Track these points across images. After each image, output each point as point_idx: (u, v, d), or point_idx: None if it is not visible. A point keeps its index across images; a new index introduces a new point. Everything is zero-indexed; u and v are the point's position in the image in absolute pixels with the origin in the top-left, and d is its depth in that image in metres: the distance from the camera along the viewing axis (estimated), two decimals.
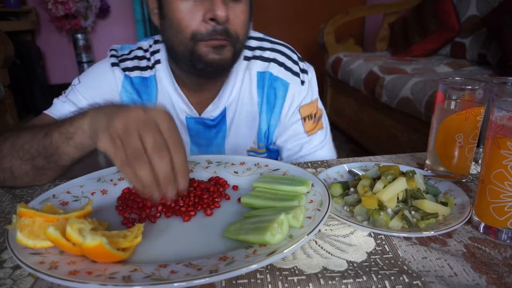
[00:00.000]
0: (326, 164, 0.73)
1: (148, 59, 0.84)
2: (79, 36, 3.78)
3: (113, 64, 0.82)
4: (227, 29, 0.68)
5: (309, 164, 0.74)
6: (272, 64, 0.83)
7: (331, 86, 3.13)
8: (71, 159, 0.61)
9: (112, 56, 0.84)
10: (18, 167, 0.62)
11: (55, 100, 0.82)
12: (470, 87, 0.62)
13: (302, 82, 0.84)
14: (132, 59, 0.83)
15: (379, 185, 0.54)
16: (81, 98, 0.80)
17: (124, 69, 0.82)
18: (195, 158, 0.70)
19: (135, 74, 0.82)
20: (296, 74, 0.84)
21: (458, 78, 0.67)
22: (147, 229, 0.49)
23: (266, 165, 0.66)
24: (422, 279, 0.41)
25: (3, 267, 0.44)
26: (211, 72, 0.73)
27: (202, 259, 0.41)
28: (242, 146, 0.87)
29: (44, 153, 0.61)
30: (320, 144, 0.86)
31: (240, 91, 0.83)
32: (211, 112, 0.83)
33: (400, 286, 0.40)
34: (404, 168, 0.62)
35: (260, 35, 0.89)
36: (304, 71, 0.85)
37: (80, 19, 3.65)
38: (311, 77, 0.87)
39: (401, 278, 0.42)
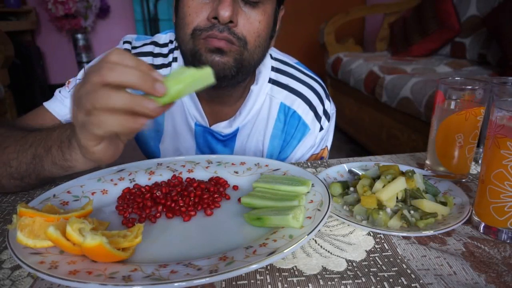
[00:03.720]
0: (326, 164, 0.73)
1: (165, 56, 0.79)
2: (79, 36, 3.79)
3: None
4: (233, 30, 0.63)
5: (309, 164, 0.74)
6: (299, 101, 0.80)
7: (331, 86, 3.13)
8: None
9: (125, 50, 0.79)
10: (7, 180, 0.59)
11: (57, 93, 0.77)
12: (470, 87, 0.62)
13: (321, 129, 0.83)
14: (146, 54, 0.79)
15: (378, 184, 0.54)
16: None
17: None
18: (195, 158, 0.70)
19: None
20: (318, 118, 0.82)
21: (458, 78, 0.67)
22: (147, 229, 0.49)
23: (267, 165, 0.66)
24: (421, 281, 0.41)
25: (1, 267, 0.44)
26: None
27: (202, 259, 0.41)
28: None
29: (35, 175, 0.58)
30: None
31: (258, 114, 0.81)
32: (224, 128, 0.81)
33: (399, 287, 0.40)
34: (404, 167, 0.62)
35: (294, 62, 0.86)
36: (326, 114, 0.84)
37: (80, 19, 3.65)
38: (331, 124, 0.86)
39: (399, 280, 0.42)
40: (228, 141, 0.83)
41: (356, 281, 0.41)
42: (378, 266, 0.44)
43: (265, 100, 0.81)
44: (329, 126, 0.85)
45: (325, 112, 0.83)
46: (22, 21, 3.55)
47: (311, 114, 0.81)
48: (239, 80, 0.70)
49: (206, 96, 0.78)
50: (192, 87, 0.43)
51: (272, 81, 0.81)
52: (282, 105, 0.81)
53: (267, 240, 0.44)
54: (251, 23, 0.65)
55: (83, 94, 0.40)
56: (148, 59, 0.79)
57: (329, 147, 0.88)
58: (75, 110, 0.42)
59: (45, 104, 0.76)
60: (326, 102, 0.84)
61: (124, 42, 0.81)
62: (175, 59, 0.79)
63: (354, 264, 0.44)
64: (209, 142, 0.83)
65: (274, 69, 0.82)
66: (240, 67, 0.66)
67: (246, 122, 0.81)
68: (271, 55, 0.83)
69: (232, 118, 0.80)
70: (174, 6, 0.71)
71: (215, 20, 0.62)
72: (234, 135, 0.82)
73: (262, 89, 0.80)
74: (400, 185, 0.53)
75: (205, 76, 0.44)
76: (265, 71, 0.80)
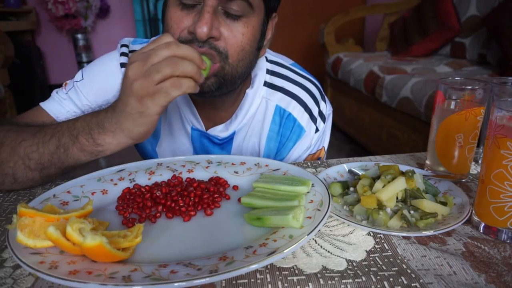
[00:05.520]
0: (326, 164, 0.73)
1: None
2: (79, 36, 3.79)
3: (123, 65, 0.77)
4: (214, 45, 0.62)
5: (309, 164, 0.74)
6: (294, 103, 0.80)
7: (331, 86, 3.14)
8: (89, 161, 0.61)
9: (122, 54, 0.79)
10: (23, 174, 0.60)
11: (54, 94, 0.77)
12: (470, 87, 0.62)
13: (317, 130, 0.83)
14: None
15: (378, 184, 0.54)
16: (83, 99, 0.76)
17: None
18: (195, 158, 0.70)
19: None
20: (314, 119, 0.82)
21: (458, 78, 0.67)
22: (147, 229, 0.49)
23: (267, 165, 0.66)
24: (421, 280, 0.41)
25: (3, 266, 0.44)
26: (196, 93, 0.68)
27: (202, 259, 0.41)
28: None
29: (59, 164, 0.59)
30: None
31: (253, 117, 0.81)
32: (220, 132, 0.81)
33: (399, 287, 0.40)
34: (403, 167, 0.62)
35: (289, 63, 0.86)
36: (322, 115, 0.83)
37: (80, 19, 3.65)
38: (327, 125, 0.85)
39: (399, 279, 0.42)
40: (225, 145, 0.83)
41: (356, 280, 0.41)
42: (378, 266, 0.44)
43: (260, 103, 0.81)
44: (325, 127, 0.85)
45: (321, 113, 0.83)
46: (22, 21, 3.55)
47: (306, 116, 0.81)
48: (223, 92, 0.69)
49: (200, 101, 0.78)
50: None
51: (267, 84, 0.81)
52: (277, 107, 0.81)
53: (267, 240, 0.44)
54: (234, 35, 0.63)
55: (156, 65, 0.50)
56: None
57: (326, 148, 0.88)
58: (141, 83, 0.51)
59: (42, 104, 0.76)
60: (322, 103, 0.84)
61: (122, 46, 0.81)
62: None
63: (354, 264, 0.44)
64: (205, 146, 0.83)
65: (269, 71, 0.82)
66: (222, 81, 0.66)
67: (242, 125, 0.81)
68: (266, 57, 0.83)
69: (228, 121, 0.80)
70: (162, 16, 0.70)
71: (193, 35, 0.62)
72: (230, 138, 0.82)
73: (258, 93, 0.80)
74: (400, 185, 0.53)
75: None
76: (261, 74, 0.80)
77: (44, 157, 0.59)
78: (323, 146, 0.87)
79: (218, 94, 0.69)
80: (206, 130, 0.81)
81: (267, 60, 0.83)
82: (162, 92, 0.51)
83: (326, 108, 0.85)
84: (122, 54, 0.79)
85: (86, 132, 0.57)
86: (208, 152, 0.83)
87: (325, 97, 0.86)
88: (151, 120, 0.53)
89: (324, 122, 0.84)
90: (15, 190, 0.64)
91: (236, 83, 0.70)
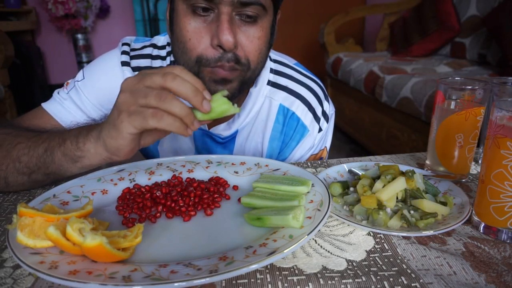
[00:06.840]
0: (326, 164, 0.73)
1: (164, 58, 0.79)
2: (79, 36, 3.79)
3: (124, 63, 0.77)
4: (237, 56, 0.63)
5: (309, 164, 0.74)
6: (298, 102, 0.80)
7: (331, 86, 3.14)
8: (72, 174, 0.60)
9: (123, 52, 0.78)
10: (14, 177, 0.60)
11: (55, 95, 0.77)
12: (470, 87, 0.62)
13: (320, 130, 0.83)
14: (145, 57, 0.79)
15: (378, 184, 0.54)
16: (84, 99, 0.75)
17: (135, 69, 0.77)
18: (195, 158, 0.70)
19: None
20: (317, 119, 0.82)
21: (458, 78, 0.67)
22: (147, 229, 0.49)
23: (267, 165, 0.66)
24: (421, 280, 0.41)
25: (3, 266, 0.44)
26: None
27: (202, 259, 0.41)
28: None
29: (44, 169, 0.59)
30: None
31: (257, 116, 0.81)
32: (222, 131, 0.80)
33: (399, 287, 0.40)
34: (404, 167, 0.62)
35: (293, 63, 0.86)
36: (325, 115, 0.84)
37: (80, 19, 3.65)
38: (330, 125, 0.86)
39: (399, 279, 0.42)
40: (227, 143, 0.83)
41: (356, 280, 0.41)
42: (378, 266, 0.44)
43: (264, 102, 0.81)
44: (328, 127, 0.85)
45: (324, 113, 0.84)
46: (22, 21, 3.55)
47: (310, 115, 0.81)
48: (237, 96, 0.70)
49: None
50: (225, 114, 0.52)
51: (271, 83, 0.81)
52: (281, 106, 0.81)
53: (267, 240, 0.44)
54: (251, 41, 0.63)
55: (145, 90, 0.47)
56: (147, 62, 0.79)
57: (328, 148, 0.88)
58: (127, 96, 0.48)
59: (43, 105, 0.76)
60: (325, 103, 0.84)
61: (123, 44, 0.80)
62: (173, 62, 0.78)
63: (354, 264, 0.44)
64: (208, 144, 0.83)
65: (273, 71, 0.82)
66: (244, 86, 0.68)
67: (245, 124, 0.81)
68: (270, 57, 0.83)
69: (231, 120, 0.80)
70: (168, 21, 0.69)
71: (220, 48, 0.61)
72: (233, 137, 0.82)
73: (261, 92, 0.80)
74: (400, 185, 0.53)
75: (234, 109, 0.52)
76: (265, 73, 0.80)
77: (32, 160, 0.59)
78: (325, 146, 0.87)
79: (237, 95, 0.69)
80: (209, 128, 0.81)
81: (270, 59, 0.83)
82: (140, 116, 0.47)
83: (329, 108, 0.85)
84: (123, 52, 0.79)
85: (74, 135, 0.56)
86: (210, 151, 0.83)
87: (328, 97, 0.87)
88: (122, 136, 0.49)
89: (327, 122, 0.84)
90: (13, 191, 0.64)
91: (252, 82, 0.72)
